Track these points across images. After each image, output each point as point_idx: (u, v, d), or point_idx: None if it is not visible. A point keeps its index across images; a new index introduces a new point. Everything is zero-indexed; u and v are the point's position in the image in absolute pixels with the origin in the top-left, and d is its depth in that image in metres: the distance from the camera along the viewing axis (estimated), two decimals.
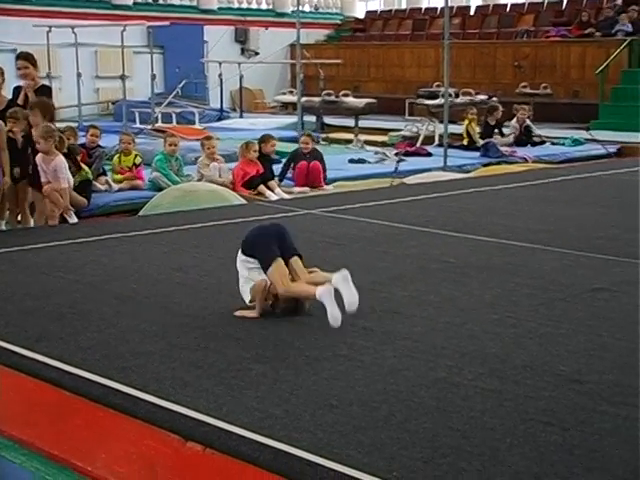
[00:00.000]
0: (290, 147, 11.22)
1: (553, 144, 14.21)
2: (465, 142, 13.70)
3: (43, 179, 7.15)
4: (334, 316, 3.99)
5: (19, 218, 7.48)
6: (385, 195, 8.32)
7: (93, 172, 8.98)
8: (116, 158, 9.80)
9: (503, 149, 12.83)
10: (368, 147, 13.92)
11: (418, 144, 13.71)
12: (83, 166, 8.44)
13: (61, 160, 7.23)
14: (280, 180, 9.96)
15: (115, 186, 9.33)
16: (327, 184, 10.15)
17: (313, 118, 16.13)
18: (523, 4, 21.65)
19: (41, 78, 8.41)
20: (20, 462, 2.99)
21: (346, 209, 7.37)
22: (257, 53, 22.48)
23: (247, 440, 2.86)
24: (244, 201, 8.49)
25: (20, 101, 7.40)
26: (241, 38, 22.52)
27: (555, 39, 18.99)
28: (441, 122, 12.82)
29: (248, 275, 4.31)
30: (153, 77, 16.19)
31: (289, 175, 10.18)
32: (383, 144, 14.32)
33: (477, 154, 12.86)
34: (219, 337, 3.96)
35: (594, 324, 4.12)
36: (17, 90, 7.55)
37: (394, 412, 3.08)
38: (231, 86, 19.91)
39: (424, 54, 20.24)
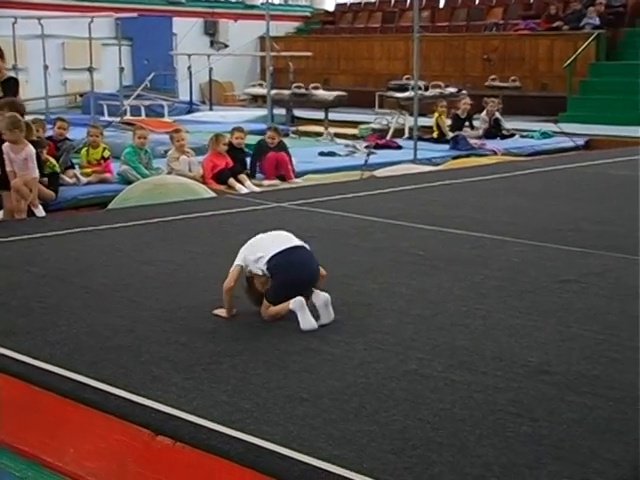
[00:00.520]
0: None
1: (522, 137, 14.31)
2: (435, 135, 13.76)
3: (8, 168, 7.07)
4: (310, 324, 3.90)
5: None
6: (355, 188, 8.33)
7: (61, 165, 8.91)
8: (84, 151, 9.73)
9: (472, 142, 12.90)
10: (338, 140, 13.93)
11: (388, 137, 13.74)
12: (50, 158, 8.37)
13: (31, 149, 7.16)
14: (252, 175, 9.93)
15: (83, 179, 9.26)
16: (297, 177, 10.15)
17: (283, 111, 16.11)
18: None
19: (7, 70, 8.31)
20: None
21: (316, 202, 7.36)
22: (226, 45, 22.40)
23: (218, 434, 2.85)
24: (214, 194, 8.46)
25: None
26: (210, 30, 22.42)
27: (524, 32, 19.12)
28: (411, 115, 12.85)
29: (243, 263, 4.09)
30: (121, 69, 16.07)
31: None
32: (353, 137, 14.34)
33: (447, 147, 12.93)
34: (189, 331, 3.94)
35: (562, 315, 4.15)
36: None
37: (364, 404, 3.09)
38: (200, 79, 19.82)
39: (394, 47, 20.28)
